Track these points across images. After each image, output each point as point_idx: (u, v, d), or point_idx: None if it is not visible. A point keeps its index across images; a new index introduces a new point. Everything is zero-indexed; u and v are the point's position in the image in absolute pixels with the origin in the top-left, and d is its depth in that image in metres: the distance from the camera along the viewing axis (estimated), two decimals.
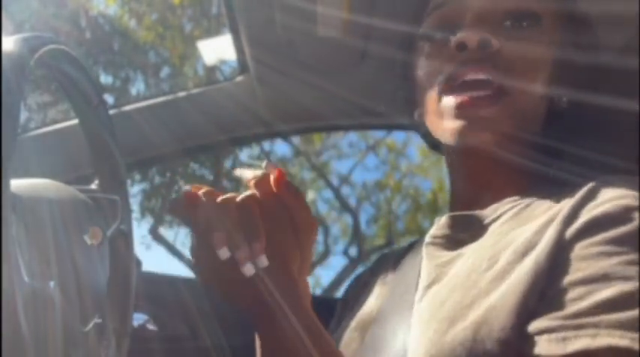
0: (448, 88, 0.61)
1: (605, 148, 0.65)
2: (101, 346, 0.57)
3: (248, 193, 0.52)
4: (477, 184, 0.67)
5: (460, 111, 0.60)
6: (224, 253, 0.48)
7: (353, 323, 0.66)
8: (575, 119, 0.67)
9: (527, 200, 0.60)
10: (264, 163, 0.54)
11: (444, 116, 0.61)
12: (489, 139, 0.60)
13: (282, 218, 0.52)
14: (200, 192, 0.52)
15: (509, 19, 0.61)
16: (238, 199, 0.51)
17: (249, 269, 0.48)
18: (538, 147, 0.66)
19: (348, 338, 0.65)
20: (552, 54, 0.63)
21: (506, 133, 0.61)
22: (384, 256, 0.81)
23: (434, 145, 0.79)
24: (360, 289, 0.75)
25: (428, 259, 0.62)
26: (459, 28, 0.61)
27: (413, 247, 0.73)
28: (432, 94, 0.63)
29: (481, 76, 0.59)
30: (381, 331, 0.61)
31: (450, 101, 0.61)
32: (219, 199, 0.51)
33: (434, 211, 6.99)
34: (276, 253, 0.50)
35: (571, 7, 0.66)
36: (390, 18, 0.75)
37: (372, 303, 0.67)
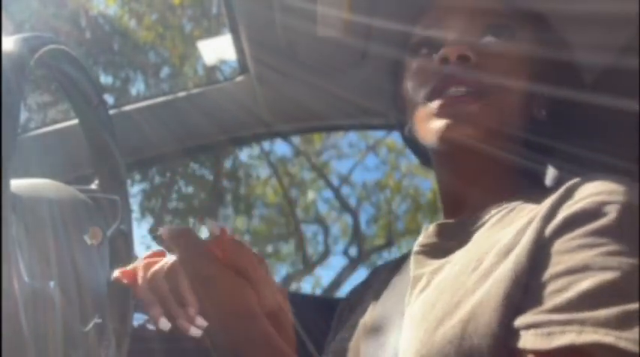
0: (432, 96, 0.65)
1: (598, 148, 0.65)
2: (101, 346, 0.57)
3: (171, 260, 0.56)
4: (464, 186, 0.68)
5: (444, 110, 0.63)
6: (165, 325, 0.52)
7: (347, 335, 0.67)
8: (562, 119, 0.68)
9: (511, 204, 0.61)
10: (207, 224, 0.57)
11: (429, 118, 0.64)
12: (473, 134, 0.62)
13: (225, 269, 0.56)
14: (137, 268, 0.56)
15: (487, 34, 0.65)
16: (163, 271, 0.55)
17: (195, 331, 0.52)
18: (523, 148, 0.67)
19: (344, 350, 0.66)
20: (530, 61, 0.66)
21: (489, 131, 0.63)
22: (376, 270, 0.82)
23: (425, 160, 0.80)
24: (354, 303, 0.76)
25: (417, 267, 0.63)
26: (441, 45, 0.66)
27: (404, 259, 0.74)
28: (418, 104, 0.67)
29: (462, 89, 0.63)
30: (375, 340, 0.62)
31: (434, 104, 0.64)
32: (148, 275, 0.55)
33: (434, 211, 6.99)
34: (227, 301, 0.54)
35: (541, 13, 0.68)
36: (390, 18, 0.75)
37: (366, 315, 0.68)
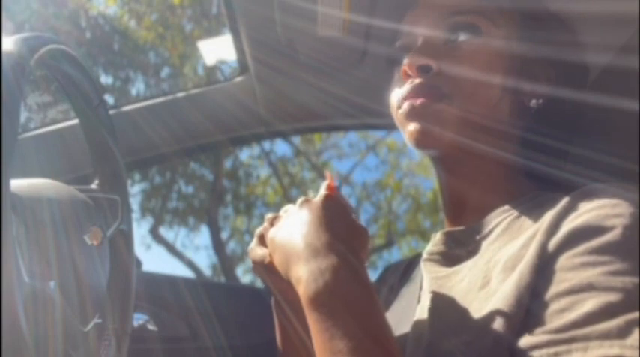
0: (401, 103, 0.66)
1: (598, 148, 0.65)
2: (101, 346, 0.57)
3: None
4: (463, 188, 0.68)
5: (411, 114, 0.64)
6: None
7: None
8: (553, 117, 0.67)
9: (517, 209, 0.61)
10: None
11: (402, 123, 0.66)
12: (444, 135, 0.62)
13: None
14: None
15: (452, 38, 0.65)
16: None
17: None
18: (516, 146, 0.66)
19: None
20: (503, 57, 0.65)
21: (463, 131, 0.63)
22: (387, 270, 0.82)
23: None
24: None
25: (426, 274, 0.63)
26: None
27: (411, 265, 0.74)
28: (395, 113, 0.68)
29: (425, 97, 0.64)
30: None
31: (402, 109, 0.65)
32: None
33: (434, 211, 6.99)
34: None
35: (518, 10, 0.68)
36: (390, 18, 0.75)
37: None
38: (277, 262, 0.55)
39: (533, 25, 0.67)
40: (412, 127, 0.63)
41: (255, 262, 0.62)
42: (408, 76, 0.65)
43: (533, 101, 0.66)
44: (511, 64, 0.65)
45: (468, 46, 0.64)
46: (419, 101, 0.63)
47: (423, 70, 0.64)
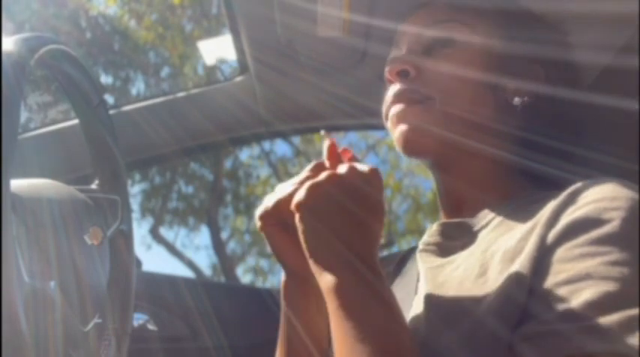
0: (385, 110, 0.69)
1: (597, 148, 0.65)
2: (101, 346, 0.58)
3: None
4: (457, 187, 0.68)
5: (396, 120, 0.66)
6: None
7: None
8: (537, 115, 0.67)
9: (512, 204, 0.61)
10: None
11: (391, 133, 0.68)
12: (428, 137, 0.64)
13: None
14: None
15: (432, 44, 0.68)
16: None
17: None
18: (513, 147, 0.67)
19: None
20: (481, 57, 0.66)
21: (446, 130, 0.64)
22: (382, 260, 0.82)
23: None
24: None
25: (422, 265, 0.64)
26: None
27: (407, 257, 0.75)
28: (385, 121, 0.70)
29: (404, 103, 0.66)
30: None
31: (387, 121, 0.68)
32: None
33: (434, 211, 6.99)
34: None
35: (501, 10, 0.69)
36: (390, 18, 0.75)
37: None
38: (304, 240, 0.51)
39: (514, 25, 0.68)
40: (397, 134, 0.66)
41: (265, 215, 0.58)
42: (391, 82, 0.68)
43: (517, 99, 0.66)
44: (492, 64, 0.66)
45: (447, 50, 0.67)
46: (399, 108, 0.65)
47: (401, 75, 0.66)
